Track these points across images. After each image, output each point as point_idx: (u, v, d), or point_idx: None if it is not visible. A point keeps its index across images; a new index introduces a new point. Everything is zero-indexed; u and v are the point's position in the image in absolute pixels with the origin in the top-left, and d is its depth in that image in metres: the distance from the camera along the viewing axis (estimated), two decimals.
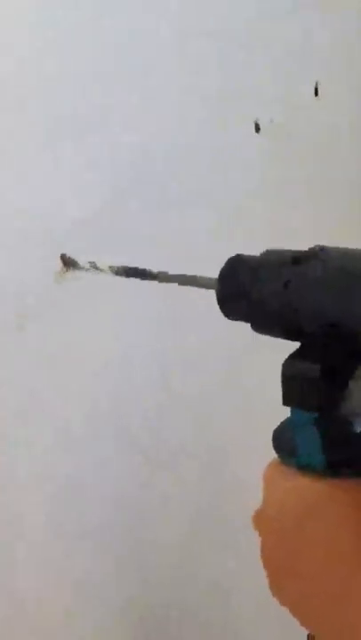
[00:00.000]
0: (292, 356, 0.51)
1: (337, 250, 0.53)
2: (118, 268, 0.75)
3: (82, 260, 0.78)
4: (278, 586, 0.54)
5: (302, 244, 0.55)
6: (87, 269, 0.78)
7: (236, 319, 0.57)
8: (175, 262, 0.68)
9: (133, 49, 0.87)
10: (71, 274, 0.78)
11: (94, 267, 0.77)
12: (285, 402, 0.51)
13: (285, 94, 1.15)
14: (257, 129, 1.10)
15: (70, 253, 0.79)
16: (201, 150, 1.00)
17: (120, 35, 0.85)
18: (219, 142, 1.03)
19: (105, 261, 0.76)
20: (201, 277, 0.62)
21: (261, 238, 0.58)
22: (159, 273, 0.71)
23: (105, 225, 0.85)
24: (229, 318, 0.58)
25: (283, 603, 0.53)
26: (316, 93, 1.22)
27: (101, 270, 0.76)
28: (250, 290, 0.55)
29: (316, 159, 1.23)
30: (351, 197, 1.32)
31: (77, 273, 0.78)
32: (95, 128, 0.83)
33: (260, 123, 1.10)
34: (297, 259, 0.54)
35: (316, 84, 1.21)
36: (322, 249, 0.53)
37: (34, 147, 0.76)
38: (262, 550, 0.54)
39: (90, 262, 0.78)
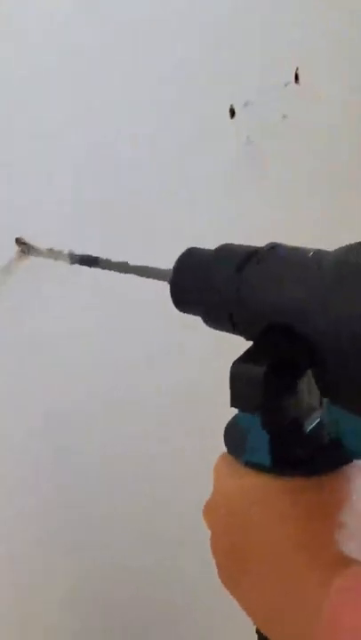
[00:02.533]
0: (240, 358, 0.53)
1: (290, 248, 0.55)
2: (72, 255, 0.76)
3: (41, 245, 0.79)
4: (227, 578, 0.57)
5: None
6: (46, 255, 0.78)
7: (189, 312, 0.59)
8: (163, 261, 0.68)
9: (112, 34, 0.88)
10: (29, 260, 0.79)
11: (52, 252, 0.78)
12: (232, 404, 0.53)
13: (270, 84, 1.16)
14: (232, 114, 1.11)
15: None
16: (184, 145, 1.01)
17: (98, 23, 0.86)
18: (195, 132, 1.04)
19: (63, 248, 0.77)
20: (155, 269, 0.64)
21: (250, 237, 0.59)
22: (113, 262, 0.72)
23: (81, 220, 0.86)
24: (182, 311, 0.59)
25: (233, 595, 0.55)
26: (297, 79, 1.22)
27: (58, 256, 0.77)
28: (202, 284, 0.57)
29: (305, 154, 1.24)
30: (340, 194, 1.33)
31: (35, 259, 0.79)
32: (70, 121, 0.83)
33: (234, 106, 1.10)
34: (251, 255, 0.55)
35: (297, 70, 1.21)
36: (273, 246, 0.55)
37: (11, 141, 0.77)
38: (211, 542, 0.57)
39: (48, 248, 0.78)
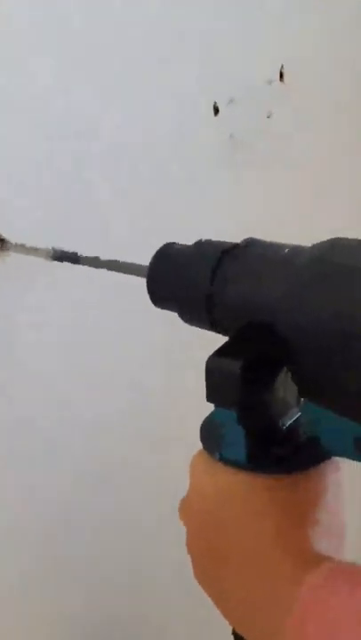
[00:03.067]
0: (217, 352, 0.52)
1: (266, 244, 0.55)
2: (51, 251, 0.76)
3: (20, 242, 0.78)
4: (202, 576, 0.57)
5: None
6: (25, 252, 0.78)
7: (165, 308, 0.59)
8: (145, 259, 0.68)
9: (94, 26, 0.87)
10: (9, 256, 0.79)
11: (32, 249, 0.78)
12: (208, 398, 0.52)
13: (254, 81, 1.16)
14: (216, 111, 1.11)
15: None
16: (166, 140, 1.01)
17: (79, 15, 0.85)
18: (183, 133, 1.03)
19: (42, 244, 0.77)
20: (133, 265, 0.64)
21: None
22: (92, 259, 0.72)
23: (64, 219, 0.85)
24: (158, 307, 0.59)
25: (208, 593, 0.56)
26: (282, 77, 1.22)
27: (37, 253, 0.77)
28: (179, 280, 0.57)
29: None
30: (324, 192, 1.33)
31: (15, 255, 0.78)
32: (50, 120, 0.83)
33: (218, 104, 1.10)
34: (228, 250, 0.55)
35: (282, 68, 1.21)
36: (250, 242, 0.55)
37: None
38: (187, 540, 0.57)
39: (27, 245, 0.78)
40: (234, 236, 0.59)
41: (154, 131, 1.00)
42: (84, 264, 0.74)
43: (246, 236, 0.57)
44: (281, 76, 1.22)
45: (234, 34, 1.12)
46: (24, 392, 0.87)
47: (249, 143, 1.16)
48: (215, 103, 1.10)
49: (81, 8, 0.86)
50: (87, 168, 0.89)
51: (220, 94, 1.10)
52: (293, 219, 1.22)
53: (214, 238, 0.59)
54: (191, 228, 0.73)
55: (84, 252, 0.74)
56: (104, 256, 0.71)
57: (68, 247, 0.76)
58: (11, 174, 0.80)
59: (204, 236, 0.60)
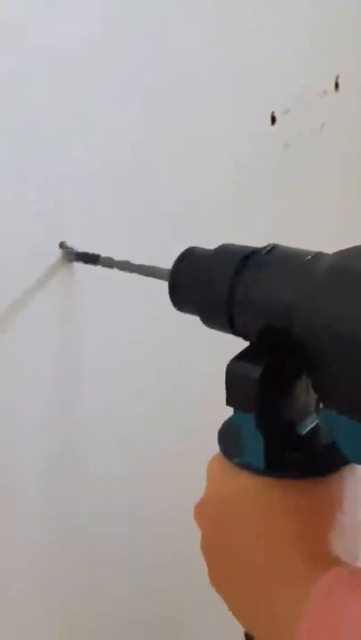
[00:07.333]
0: (237, 357, 0.51)
1: (289, 249, 0.53)
2: (72, 252, 0.75)
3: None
4: (216, 577, 0.56)
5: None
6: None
7: (187, 312, 0.58)
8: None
9: (141, 35, 0.86)
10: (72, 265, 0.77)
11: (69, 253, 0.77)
12: (228, 402, 0.51)
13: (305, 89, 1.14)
14: (273, 121, 1.10)
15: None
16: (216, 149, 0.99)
17: (128, 22, 0.85)
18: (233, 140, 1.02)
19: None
20: (156, 268, 0.63)
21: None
22: (114, 261, 0.71)
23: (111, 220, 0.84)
24: (180, 310, 0.58)
25: (221, 595, 0.55)
26: (337, 87, 1.21)
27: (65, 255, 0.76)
28: (201, 284, 0.56)
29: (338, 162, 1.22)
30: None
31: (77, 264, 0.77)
32: (103, 125, 0.82)
33: (275, 113, 1.09)
34: (249, 255, 0.54)
35: (337, 78, 1.19)
36: (273, 247, 0.53)
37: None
38: (202, 542, 0.56)
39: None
40: (287, 243, 0.57)
41: (212, 142, 0.98)
42: (104, 266, 0.72)
43: (299, 244, 0.56)
44: (336, 86, 1.20)
45: (293, 45, 1.10)
46: (88, 399, 0.87)
47: (302, 153, 1.14)
48: (273, 112, 1.09)
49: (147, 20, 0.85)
50: (141, 175, 0.88)
51: (278, 104, 1.09)
52: (343, 227, 1.19)
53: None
54: (244, 234, 0.72)
55: (121, 256, 0.73)
56: (135, 259, 0.70)
57: (101, 250, 0.74)
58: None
59: (253, 243, 0.58)
